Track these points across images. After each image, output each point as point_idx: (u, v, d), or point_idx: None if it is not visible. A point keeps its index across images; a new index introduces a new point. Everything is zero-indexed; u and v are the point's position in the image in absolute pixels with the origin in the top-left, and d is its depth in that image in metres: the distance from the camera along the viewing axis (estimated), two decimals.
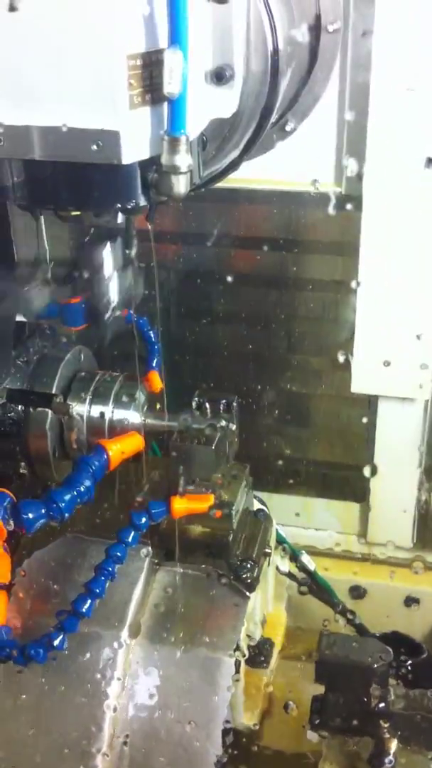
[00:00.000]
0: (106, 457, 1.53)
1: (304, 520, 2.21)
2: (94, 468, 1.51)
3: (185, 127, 1.13)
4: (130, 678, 1.48)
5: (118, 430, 1.66)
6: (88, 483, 1.49)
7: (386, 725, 1.54)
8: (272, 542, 1.83)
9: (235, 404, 1.64)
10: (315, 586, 1.93)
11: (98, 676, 1.47)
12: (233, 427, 1.64)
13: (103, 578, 1.48)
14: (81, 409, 1.67)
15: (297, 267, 2.01)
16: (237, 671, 1.50)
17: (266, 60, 1.32)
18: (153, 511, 1.56)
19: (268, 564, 1.81)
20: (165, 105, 1.13)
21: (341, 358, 1.90)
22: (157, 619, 1.55)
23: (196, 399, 1.64)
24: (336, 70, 1.67)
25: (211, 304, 2.09)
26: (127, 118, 1.10)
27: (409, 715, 1.56)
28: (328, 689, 1.59)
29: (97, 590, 1.46)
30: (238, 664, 1.50)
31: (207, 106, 1.20)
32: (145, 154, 1.15)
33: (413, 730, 1.55)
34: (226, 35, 1.19)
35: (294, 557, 1.96)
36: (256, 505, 1.86)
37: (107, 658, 1.48)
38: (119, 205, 1.20)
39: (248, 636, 1.72)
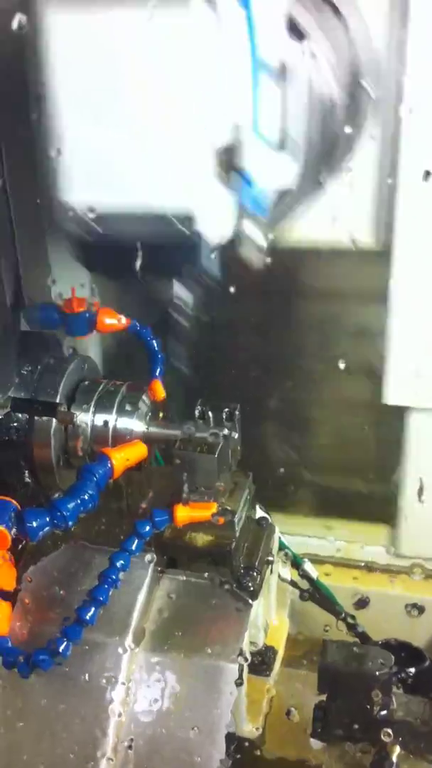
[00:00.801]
0: (109, 465, 1.54)
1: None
2: (97, 476, 1.51)
3: (263, 209, 1.25)
4: (134, 684, 1.49)
5: (121, 438, 1.67)
6: (91, 491, 1.50)
7: (388, 733, 1.55)
8: (275, 550, 1.84)
9: (237, 412, 1.65)
10: (317, 593, 1.94)
11: (102, 682, 1.48)
12: (236, 435, 1.65)
13: (106, 586, 1.48)
14: (85, 418, 1.68)
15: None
16: (240, 678, 1.51)
17: (324, 125, 1.40)
18: (156, 519, 1.57)
19: (271, 572, 1.82)
20: (242, 185, 1.24)
21: (341, 366, 1.90)
22: (160, 626, 1.56)
23: (199, 407, 1.65)
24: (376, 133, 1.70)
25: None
26: (210, 200, 1.23)
27: (411, 722, 1.56)
28: (330, 697, 1.60)
29: (101, 598, 1.47)
30: (241, 671, 1.51)
31: (272, 174, 1.30)
32: (224, 230, 1.28)
33: (415, 737, 1.55)
34: (289, 109, 1.28)
35: (296, 565, 1.96)
36: (259, 513, 1.86)
37: (111, 665, 1.49)
38: (196, 273, 1.33)
39: (251, 643, 1.72)
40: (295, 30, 1.32)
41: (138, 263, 1.30)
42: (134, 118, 1.18)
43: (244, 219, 1.26)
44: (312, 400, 2.08)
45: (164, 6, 1.10)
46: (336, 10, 1.47)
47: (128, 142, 1.19)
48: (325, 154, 1.44)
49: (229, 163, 1.21)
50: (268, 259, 1.36)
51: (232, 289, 1.63)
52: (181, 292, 1.46)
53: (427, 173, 1.63)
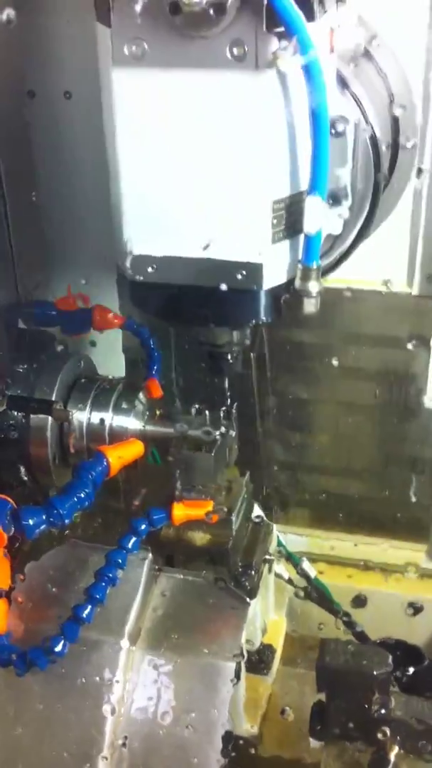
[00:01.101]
0: (105, 463, 1.53)
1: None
2: (93, 474, 1.51)
3: (318, 259, 1.30)
4: (131, 682, 1.48)
5: (118, 436, 1.67)
6: (88, 489, 1.49)
7: (387, 732, 1.54)
8: (273, 549, 1.84)
9: (234, 411, 1.65)
10: (315, 592, 1.93)
11: (98, 680, 1.47)
12: (233, 433, 1.65)
13: (103, 584, 1.48)
14: (81, 416, 1.68)
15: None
16: (237, 676, 1.50)
17: (370, 178, 1.47)
18: (154, 517, 1.56)
19: (269, 571, 1.82)
20: (300, 235, 1.29)
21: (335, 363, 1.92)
22: (157, 625, 1.55)
23: (196, 406, 1.65)
24: (412, 180, 1.77)
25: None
26: (269, 252, 1.29)
27: (409, 721, 1.55)
28: (328, 696, 1.59)
29: (98, 596, 1.47)
30: (238, 669, 1.50)
31: (325, 223, 1.34)
32: (281, 280, 1.34)
33: (413, 736, 1.55)
34: (342, 162, 1.33)
35: (294, 563, 1.95)
36: (257, 512, 1.86)
37: (108, 663, 1.48)
38: (254, 321, 1.41)
39: (249, 641, 1.72)
40: (340, 80, 1.40)
41: (194, 308, 1.38)
42: (197, 172, 1.26)
43: (299, 267, 1.32)
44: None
45: (237, 70, 1.17)
46: (371, 59, 1.55)
47: (190, 195, 1.27)
48: (369, 202, 1.50)
49: (287, 216, 1.30)
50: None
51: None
52: (235, 336, 1.51)
53: None
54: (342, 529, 2.12)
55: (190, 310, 1.38)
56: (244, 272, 1.30)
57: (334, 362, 1.94)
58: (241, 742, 1.64)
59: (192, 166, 1.25)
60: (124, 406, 1.69)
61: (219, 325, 1.45)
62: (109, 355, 1.97)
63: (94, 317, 1.81)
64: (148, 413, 1.70)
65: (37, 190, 1.87)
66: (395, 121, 1.61)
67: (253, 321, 1.41)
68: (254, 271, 1.30)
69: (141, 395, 1.71)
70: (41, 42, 1.75)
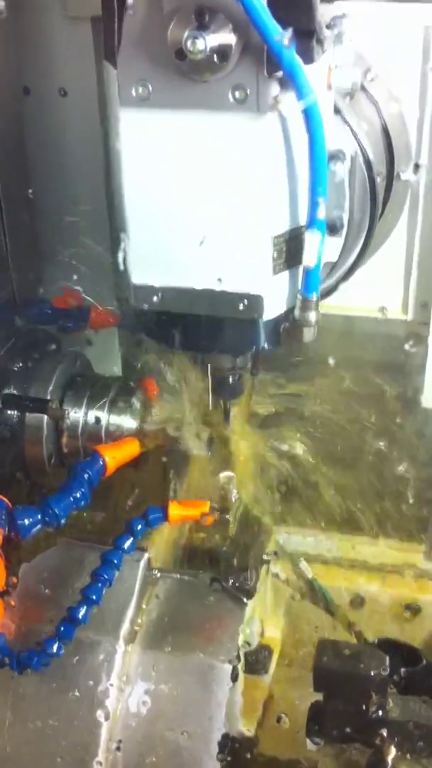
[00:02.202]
0: (101, 463, 1.53)
1: None
2: (89, 474, 1.50)
3: (317, 290, 1.35)
4: (126, 684, 1.47)
5: (114, 435, 1.66)
6: (83, 489, 1.49)
7: (384, 733, 1.53)
8: (271, 549, 1.83)
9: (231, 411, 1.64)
10: (313, 593, 1.92)
11: (94, 682, 1.46)
12: None
13: (99, 585, 1.47)
14: (77, 415, 1.67)
15: None
16: (234, 678, 1.49)
17: (366, 208, 1.52)
18: (150, 517, 1.55)
19: (267, 571, 1.81)
20: (300, 266, 1.35)
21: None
22: (153, 626, 1.54)
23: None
24: (406, 210, 1.83)
25: None
26: (270, 284, 1.35)
27: (407, 723, 1.54)
28: (325, 697, 1.58)
29: (94, 597, 1.46)
30: (235, 671, 1.49)
31: (324, 254, 1.37)
32: (281, 310, 1.39)
33: (411, 738, 1.54)
34: (339, 194, 1.39)
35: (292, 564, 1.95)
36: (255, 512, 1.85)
37: (103, 665, 1.47)
38: (254, 349, 1.47)
39: (246, 643, 1.71)
40: (336, 112, 1.45)
41: (197, 336, 1.43)
42: (200, 207, 1.31)
43: (299, 298, 1.37)
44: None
45: (239, 112, 1.22)
46: (365, 89, 1.60)
47: (194, 229, 1.32)
48: (366, 231, 1.55)
49: (287, 249, 1.34)
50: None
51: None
52: (237, 362, 1.56)
53: None
54: (340, 530, 2.11)
55: (194, 338, 1.43)
56: (245, 302, 1.35)
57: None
58: (237, 744, 1.63)
59: (196, 203, 1.30)
60: (121, 404, 1.68)
61: (221, 353, 1.50)
62: (105, 354, 1.97)
63: (91, 316, 1.81)
64: (144, 412, 1.69)
65: (32, 187, 1.86)
66: (390, 151, 1.66)
67: (254, 349, 1.47)
68: (255, 301, 1.35)
69: (138, 394, 1.71)
70: (36, 39, 1.76)
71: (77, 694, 1.45)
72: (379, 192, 1.58)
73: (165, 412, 1.70)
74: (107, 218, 1.78)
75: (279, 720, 1.72)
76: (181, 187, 1.30)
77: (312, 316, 1.37)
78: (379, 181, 1.58)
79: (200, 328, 1.41)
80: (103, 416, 1.67)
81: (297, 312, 1.37)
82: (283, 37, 1.14)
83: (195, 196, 1.30)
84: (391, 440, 2.02)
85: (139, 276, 1.39)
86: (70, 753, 1.43)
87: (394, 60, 1.68)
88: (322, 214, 1.29)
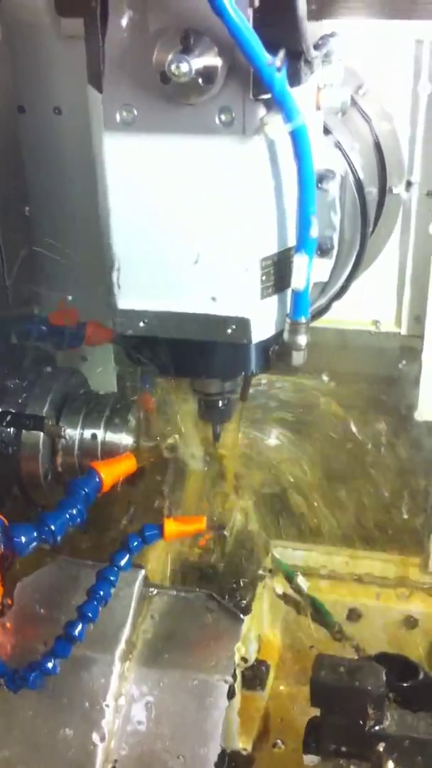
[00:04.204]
0: (98, 479, 1.53)
1: None
2: (86, 491, 1.50)
3: (307, 314, 1.34)
4: (122, 702, 1.47)
5: (111, 452, 1.66)
6: (80, 506, 1.48)
7: (382, 748, 1.53)
8: (268, 564, 1.83)
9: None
10: (310, 607, 1.93)
11: (90, 700, 1.46)
12: None
13: (95, 602, 1.47)
14: (73, 432, 1.67)
15: None
16: (231, 695, 1.49)
17: (357, 227, 1.52)
18: (146, 533, 1.55)
19: (263, 586, 1.81)
20: (289, 289, 1.34)
21: None
22: (149, 643, 1.54)
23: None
24: (398, 224, 1.85)
25: None
26: (258, 307, 1.34)
27: (405, 737, 1.54)
28: (323, 712, 1.58)
29: (90, 614, 1.46)
30: (232, 688, 1.49)
31: (313, 275, 1.36)
32: (270, 333, 1.38)
33: (409, 752, 1.54)
34: (329, 214, 1.38)
35: (289, 579, 1.95)
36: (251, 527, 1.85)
37: (99, 682, 1.47)
38: (243, 374, 1.46)
39: (243, 659, 1.71)
40: (326, 131, 1.45)
41: (185, 361, 1.43)
42: (187, 231, 1.30)
43: (288, 322, 1.36)
44: None
45: (225, 135, 1.21)
46: (356, 104, 1.63)
47: (181, 253, 1.32)
48: (357, 249, 1.56)
49: (275, 272, 1.34)
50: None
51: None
52: (225, 387, 1.55)
53: None
54: (336, 544, 2.12)
55: (182, 363, 1.42)
56: (234, 326, 1.34)
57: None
58: (234, 762, 1.63)
59: (182, 226, 1.29)
60: (117, 421, 1.69)
61: (209, 377, 1.50)
62: (101, 370, 1.97)
63: (87, 332, 1.81)
64: (141, 428, 1.69)
65: (28, 205, 1.87)
66: (382, 167, 1.68)
67: (243, 373, 1.46)
68: (244, 325, 1.34)
69: (134, 410, 1.71)
70: (31, 58, 1.76)
71: (73, 713, 1.45)
72: (371, 210, 1.59)
73: (161, 428, 1.70)
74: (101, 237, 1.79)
75: (275, 745, 1.72)
76: (167, 212, 1.29)
77: (301, 339, 1.36)
78: (371, 197, 1.58)
79: (187, 353, 1.40)
80: (100, 433, 1.67)
81: (286, 335, 1.36)
82: (273, 61, 1.14)
83: (181, 220, 1.29)
84: (385, 453, 2.03)
85: (125, 301, 1.38)
86: None
87: (385, 75, 1.70)
88: (311, 236, 1.28)
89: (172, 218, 1.29)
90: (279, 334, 1.38)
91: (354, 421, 2.00)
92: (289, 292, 1.35)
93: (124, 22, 1.20)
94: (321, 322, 1.74)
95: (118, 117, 1.23)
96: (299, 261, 1.29)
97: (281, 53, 1.15)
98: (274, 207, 1.29)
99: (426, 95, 1.71)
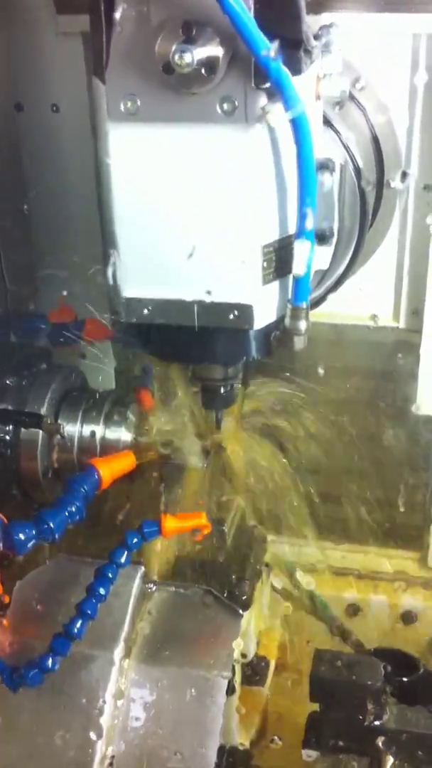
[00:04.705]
0: (97, 476, 1.53)
1: None
2: (85, 488, 1.50)
3: (308, 299, 1.36)
4: (122, 699, 1.48)
5: (109, 449, 1.66)
6: (78, 503, 1.49)
7: (381, 742, 1.54)
8: (267, 559, 1.83)
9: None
10: (309, 602, 1.93)
11: (89, 697, 1.46)
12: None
13: (94, 600, 1.47)
14: (72, 429, 1.67)
15: None
16: (230, 691, 1.49)
17: (356, 216, 1.54)
18: (145, 530, 1.55)
19: (262, 582, 1.81)
20: (290, 275, 1.35)
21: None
22: (148, 640, 1.54)
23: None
24: (396, 218, 1.86)
25: None
26: (260, 293, 1.35)
27: (404, 731, 1.55)
28: (322, 707, 1.59)
29: (89, 611, 1.46)
30: (231, 684, 1.49)
31: (314, 262, 1.37)
32: (272, 319, 1.40)
33: (408, 747, 1.54)
34: (328, 203, 1.40)
35: (289, 574, 1.95)
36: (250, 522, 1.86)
37: (98, 679, 1.47)
38: (245, 359, 1.47)
39: (243, 655, 1.71)
40: (326, 121, 1.47)
41: (187, 347, 1.44)
42: (190, 219, 1.32)
43: (289, 307, 1.37)
44: None
45: (227, 124, 1.23)
46: (354, 98, 1.65)
47: (184, 241, 1.33)
48: (356, 239, 1.58)
49: (276, 258, 1.35)
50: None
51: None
52: (228, 372, 1.56)
53: None
54: (334, 539, 2.12)
55: (184, 349, 1.44)
56: (236, 313, 1.36)
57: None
58: (233, 758, 1.64)
59: (185, 214, 1.31)
60: (116, 418, 1.69)
61: (212, 363, 1.50)
62: (99, 368, 1.97)
63: (85, 329, 1.81)
64: (140, 425, 1.69)
65: (26, 202, 1.87)
66: (379, 160, 1.69)
67: (245, 358, 1.47)
68: (246, 311, 1.36)
69: (133, 407, 1.71)
70: (28, 55, 1.77)
71: (71, 710, 1.45)
72: (369, 200, 1.60)
73: (160, 424, 1.70)
74: (100, 232, 1.79)
75: (272, 741, 1.72)
76: (171, 200, 1.30)
77: (302, 324, 1.37)
78: (369, 189, 1.59)
79: (191, 339, 1.41)
80: (98, 430, 1.68)
81: (287, 321, 1.38)
82: (269, 50, 1.14)
83: (184, 207, 1.30)
84: (383, 447, 2.03)
85: (129, 289, 1.39)
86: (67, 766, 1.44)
87: (383, 68, 1.71)
88: (311, 223, 1.29)
89: (174, 206, 1.31)
90: (280, 320, 1.40)
91: (351, 415, 2.00)
92: (290, 278, 1.36)
93: (127, 13, 1.21)
94: (319, 317, 1.75)
95: (122, 107, 1.25)
96: (300, 247, 1.30)
97: (275, 43, 1.15)
98: (275, 194, 1.31)
99: (422, 86, 1.72)
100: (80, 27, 1.65)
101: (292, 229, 1.33)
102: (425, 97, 1.73)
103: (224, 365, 1.52)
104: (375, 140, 1.68)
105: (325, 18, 1.58)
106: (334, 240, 1.43)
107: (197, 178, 1.28)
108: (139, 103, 1.24)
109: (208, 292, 1.35)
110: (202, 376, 1.55)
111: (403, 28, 1.67)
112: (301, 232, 1.30)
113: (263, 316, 1.38)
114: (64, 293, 1.87)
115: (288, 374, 1.91)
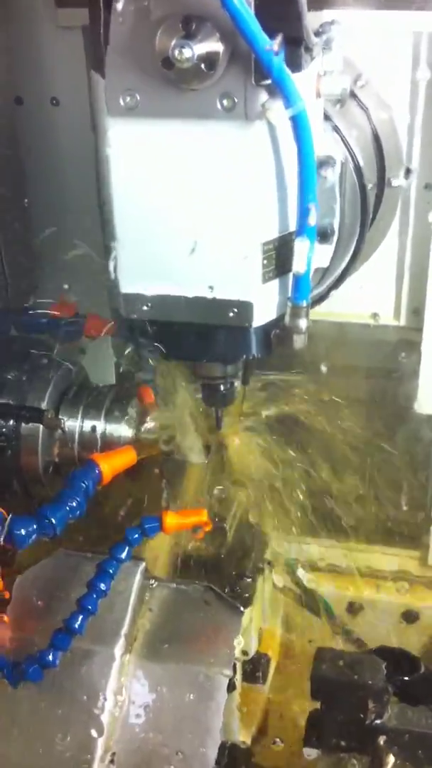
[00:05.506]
0: (98, 471, 1.52)
1: None
2: (86, 483, 1.50)
3: (308, 297, 1.35)
4: (123, 695, 1.47)
5: (110, 444, 1.66)
6: (79, 498, 1.48)
7: (382, 741, 1.53)
8: (268, 556, 1.83)
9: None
10: (310, 600, 1.92)
11: (89, 693, 1.46)
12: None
13: (95, 595, 1.46)
14: (73, 424, 1.67)
15: None
16: (231, 688, 1.49)
17: (357, 214, 1.54)
18: (146, 526, 1.55)
19: (264, 579, 1.81)
20: (290, 273, 1.35)
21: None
22: (149, 636, 1.54)
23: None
24: (397, 216, 1.86)
25: None
26: (260, 291, 1.34)
27: (405, 730, 1.54)
28: (323, 705, 1.58)
29: (90, 607, 1.45)
30: (232, 681, 1.49)
31: (314, 261, 1.37)
32: (272, 317, 1.39)
33: (410, 745, 1.54)
34: (330, 199, 1.40)
35: (290, 571, 1.95)
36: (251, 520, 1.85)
37: (98, 676, 1.47)
38: (244, 357, 1.46)
39: (244, 652, 1.71)
40: (326, 119, 1.47)
41: (187, 344, 1.43)
42: (189, 216, 1.31)
43: (289, 305, 1.37)
44: None
45: (227, 120, 1.22)
46: (355, 96, 1.63)
47: (183, 238, 1.32)
48: (357, 237, 1.57)
49: (277, 256, 1.34)
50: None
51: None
52: (227, 370, 1.55)
53: None
54: (336, 537, 2.12)
55: (184, 346, 1.43)
56: (236, 310, 1.35)
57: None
58: (234, 755, 1.63)
59: (185, 210, 1.30)
60: (116, 413, 1.68)
61: (212, 361, 1.50)
62: (100, 363, 1.97)
63: (86, 325, 1.81)
64: (141, 420, 1.69)
65: (26, 196, 1.87)
66: (380, 158, 1.68)
67: (245, 356, 1.46)
68: (246, 309, 1.35)
69: (134, 402, 1.70)
70: (28, 49, 1.77)
71: (72, 706, 1.45)
72: (370, 198, 1.59)
73: (161, 420, 1.70)
74: (100, 227, 1.79)
75: (273, 743, 1.72)
76: (170, 196, 1.30)
77: (302, 323, 1.37)
78: (370, 187, 1.58)
79: (190, 337, 1.40)
80: (99, 425, 1.67)
81: (287, 319, 1.37)
82: (271, 45, 1.14)
83: (184, 204, 1.30)
84: (385, 446, 2.03)
85: (128, 285, 1.38)
86: (68, 763, 1.43)
87: (384, 66, 1.70)
88: (311, 221, 1.29)
89: (174, 202, 1.30)
90: (280, 318, 1.39)
91: (352, 414, 2.00)
92: (290, 276, 1.35)
93: (127, 8, 1.20)
94: (320, 315, 1.74)
95: (121, 102, 1.24)
96: (300, 245, 1.30)
97: (279, 38, 1.15)
98: (275, 191, 1.30)
99: (423, 84, 1.71)
100: (80, 21, 1.64)
101: (292, 227, 1.33)
102: (426, 95, 1.72)
103: (224, 363, 1.51)
104: (376, 138, 1.67)
105: (326, 15, 1.57)
106: (335, 238, 1.43)
107: (196, 174, 1.27)
108: (138, 97, 1.23)
109: (209, 289, 1.35)
110: (202, 374, 1.55)
111: (403, 25, 1.67)
112: (301, 230, 1.30)
113: (263, 314, 1.37)
114: (66, 287, 1.87)
115: (289, 372, 1.93)
